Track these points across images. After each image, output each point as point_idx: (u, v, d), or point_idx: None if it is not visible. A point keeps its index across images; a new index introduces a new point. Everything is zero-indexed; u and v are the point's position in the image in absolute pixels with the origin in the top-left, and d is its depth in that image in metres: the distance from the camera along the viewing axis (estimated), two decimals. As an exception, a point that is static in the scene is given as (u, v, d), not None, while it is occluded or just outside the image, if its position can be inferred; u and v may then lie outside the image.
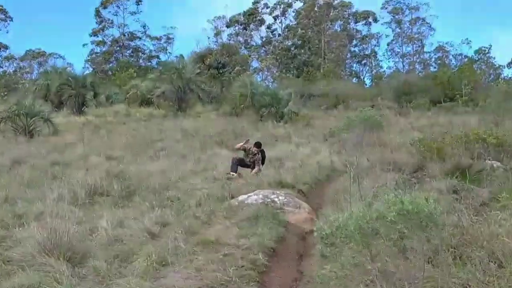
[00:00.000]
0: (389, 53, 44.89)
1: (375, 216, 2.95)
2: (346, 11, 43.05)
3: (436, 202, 2.95)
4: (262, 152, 9.10)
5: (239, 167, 8.94)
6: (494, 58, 41.80)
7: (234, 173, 8.58)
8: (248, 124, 18.01)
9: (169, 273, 3.85)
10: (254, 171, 8.66)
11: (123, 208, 6.10)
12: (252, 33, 42.52)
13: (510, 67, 39.45)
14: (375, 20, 43.61)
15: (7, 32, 40.29)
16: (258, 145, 9.07)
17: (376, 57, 45.06)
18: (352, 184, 5.81)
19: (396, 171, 7.19)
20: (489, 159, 7.72)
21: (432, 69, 40.69)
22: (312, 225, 5.44)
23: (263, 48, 41.85)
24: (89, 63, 42.24)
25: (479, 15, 56.80)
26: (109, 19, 42.41)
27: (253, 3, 42.31)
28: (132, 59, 42.44)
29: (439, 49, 43.25)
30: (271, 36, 42.48)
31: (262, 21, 42.13)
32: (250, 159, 8.94)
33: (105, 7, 41.98)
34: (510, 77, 35.34)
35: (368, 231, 2.94)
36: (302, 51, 38.98)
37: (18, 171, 8.58)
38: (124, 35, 43.07)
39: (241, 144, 9.17)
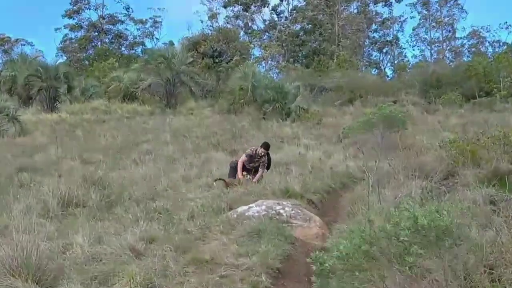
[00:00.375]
0: (414, 40, 45.05)
1: (382, 235, 2.95)
2: (364, -10, 43.24)
3: (470, 214, 2.94)
4: (268, 155, 9.10)
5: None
6: (539, 45, 41.81)
7: (233, 178, 8.58)
8: (248, 123, 18.05)
9: (156, 297, 3.85)
10: (256, 177, 8.64)
11: (102, 221, 6.10)
12: (253, 15, 42.61)
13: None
14: (398, 1, 43.74)
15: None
16: (266, 146, 9.04)
17: (399, 44, 45.27)
18: (370, 194, 5.82)
19: (422, 178, 7.16)
20: (532, 164, 7.69)
21: (465, 58, 40.76)
22: (324, 241, 5.44)
23: (267, 34, 41.93)
24: (63, 51, 42.44)
25: (520, -5, 56.79)
26: (85, -1, 42.70)
27: (255, -20, 42.47)
28: (113, 46, 42.66)
29: (473, 35, 43.27)
30: (276, 19, 42.59)
31: (265, 2, 42.16)
32: (255, 163, 8.89)
33: (80, -16, 42.26)
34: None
35: (375, 254, 2.92)
36: (313, 37, 39.08)
37: (-22, 178, 8.61)
38: (103, 18, 43.30)
39: (242, 159, 8.95)
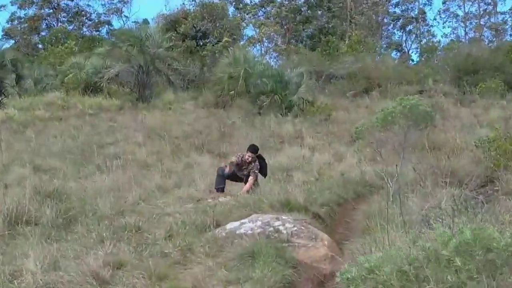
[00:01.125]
0: (444, 16, 45.22)
1: (422, 256, 2.97)
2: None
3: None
4: (260, 158, 9.12)
5: (229, 181, 8.97)
6: None
7: (218, 190, 8.63)
8: (240, 119, 18.08)
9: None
10: (245, 188, 8.65)
11: (59, 242, 6.06)
12: (246, -14, 42.64)
13: None
14: (425, -33, 43.99)
15: None
16: (253, 149, 9.07)
17: (426, 21, 45.44)
18: (391, 205, 5.83)
19: (455, 185, 7.19)
20: None
21: (507, 37, 40.94)
22: (333, 265, 5.45)
23: (263, 9, 41.95)
24: (9, 33, 42.31)
25: None
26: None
27: None
28: (72, 26, 42.59)
29: (517, 9, 43.48)
30: (274, -9, 42.63)
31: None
32: (243, 171, 8.96)
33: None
34: None
35: (412, 276, 2.95)
36: (319, 12, 39.18)
37: None
38: (60, -8, 43.26)
39: (228, 165, 9.05)
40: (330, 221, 7.58)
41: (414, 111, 8.34)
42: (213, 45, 30.79)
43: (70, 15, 43.72)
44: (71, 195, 8.10)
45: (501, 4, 44.73)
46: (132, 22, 41.54)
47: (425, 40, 44.53)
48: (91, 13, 44.29)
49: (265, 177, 9.20)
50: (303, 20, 39.20)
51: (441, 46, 40.81)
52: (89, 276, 4.83)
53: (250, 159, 8.92)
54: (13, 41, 40.73)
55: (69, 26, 42.33)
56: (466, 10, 44.89)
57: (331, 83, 26.55)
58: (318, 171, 10.32)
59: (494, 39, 42.32)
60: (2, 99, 22.73)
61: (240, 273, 4.89)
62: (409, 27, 45.19)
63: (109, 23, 44.27)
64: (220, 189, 8.85)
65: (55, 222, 6.79)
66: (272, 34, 37.63)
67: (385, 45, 43.49)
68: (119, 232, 6.38)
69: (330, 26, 38.37)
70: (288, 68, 22.92)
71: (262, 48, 37.90)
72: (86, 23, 44.21)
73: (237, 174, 8.99)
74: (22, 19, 42.75)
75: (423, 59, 38.65)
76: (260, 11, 41.89)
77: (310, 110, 19.52)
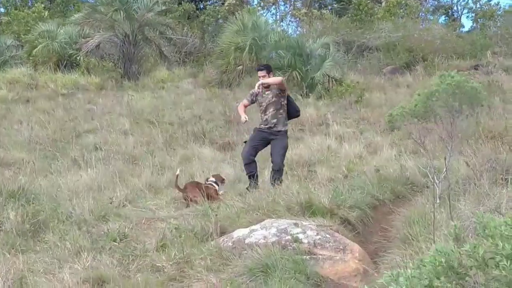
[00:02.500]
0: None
1: (472, 265, 2.95)
2: None
3: None
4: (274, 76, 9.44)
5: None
6: None
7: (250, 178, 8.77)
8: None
9: None
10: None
11: (26, 254, 6.11)
12: None
13: None
14: None
15: None
16: (262, 67, 9.33)
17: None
18: (438, 209, 5.79)
19: (518, 183, 7.15)
20: None
21: None
22: (366, 282, 5.43)
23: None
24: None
25: None
26: None
27: None
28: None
29: None
30: None
31: None
32: (265, 98, 9.07)
33: None
34: None
35: None
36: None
37: None
38: None
39: (243, 103, 9.34)
40: (362, 228, 7.54)
41: (465, 91, 8.28)
42: (215, 9, 30.72)
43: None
44: (40, 195, 8.13)
45: None
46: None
47: (479, 3, 44.15)
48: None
49: (298, 115, 9.57)
50: (329, -23, 39.07)
51: (500, 10, 40.47)
52: (63, 295, 4.87)
53: (263, 78, 8.95)
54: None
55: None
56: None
57: (363, 57, 26.42)
58: (347, 166, 10.27)
59: None
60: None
61: (250, 292, 4.91)
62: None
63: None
64: (252, 176, 8.89)
65: (20, 228, 6.83)
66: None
67: (431, 9, 43.16)
68: (100, 241, 6.41)
69: (363, -16, 38.15)
70: (310, 38, 22.83)
71: (278, 13, 37.74)
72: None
73: (265, 104, 9.07)
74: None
75: (478, 26, 38.33)
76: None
77: (338, 90, 19.36)
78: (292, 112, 9.22)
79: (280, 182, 8.55)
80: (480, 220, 3.22)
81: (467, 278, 3.06)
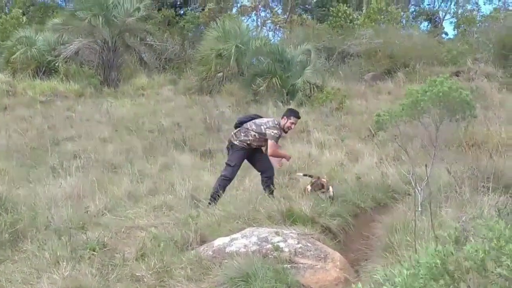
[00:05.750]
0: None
1: (470, 267, 2.98)
2: None
3: None
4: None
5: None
6: None
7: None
8: (231, 108, 18.02)
9: None
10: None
11: (4, 264, 6.08)
12: None
13: None
14: None
15: None
16: (295, 114, 9.15)
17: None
18: (419, 217, 5.84)
19: (500, 191, 7.22)
20: None
21: None
22: (348, 290, 5.46)
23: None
24: None
25: None
26: None
27: None
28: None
29: None
30: None
31: None
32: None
33: None
34: None
35: None
36: (329, -26, 39.14)
37: None
38: None
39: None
40: (343, 236, 7.57)
41: (448, 98, 8.34)
42: (195, 15, 30.69)
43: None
44: (18, 204, 8.09)
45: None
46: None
47: (462, 9, 44.51)
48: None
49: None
50: (310, -16, 39.25)
51: (481, 17, 40.77)
52: (41, 305, 4.85)
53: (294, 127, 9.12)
54: None
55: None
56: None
57: (344, 63, 26.51)
58: (329, 174, 10.30)
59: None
60: None
61: (231, 301, 4.91)
62: (442, -8, 45.21)
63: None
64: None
65: (-2, 237, 6.80)
66: (269, 1, 37.61)
67: (413, 15, 43.46)
68: (79, 250, 6.38)
69: (344, -10, 38.37)
70: (290, 44, 22.86)
71: (258, 19, 37.83)
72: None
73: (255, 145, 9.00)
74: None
75: (459, 33, 38.60)
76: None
77: (318, 97, 19.36)
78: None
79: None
80: (486, 223, 3.27)
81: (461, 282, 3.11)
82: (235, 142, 8.76)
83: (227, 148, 9.01)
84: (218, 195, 8.48)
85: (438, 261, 3.10)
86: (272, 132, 8.64)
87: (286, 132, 9.03)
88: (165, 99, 20.82)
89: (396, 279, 3.15)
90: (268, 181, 8.74)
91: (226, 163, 8.87)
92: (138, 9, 24.65)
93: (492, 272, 3.04)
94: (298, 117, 9.07)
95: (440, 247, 3.20)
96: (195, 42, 27.56)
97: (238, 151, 8.77)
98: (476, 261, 3.07)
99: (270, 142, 8.64)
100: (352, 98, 19.89)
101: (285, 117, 8.89)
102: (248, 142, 8.73)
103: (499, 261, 3.00)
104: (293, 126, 8.92)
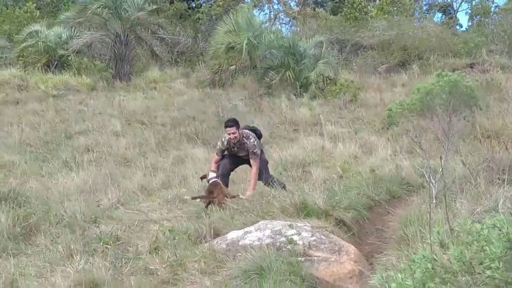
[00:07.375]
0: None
1: (460, 269, 2.97)
2: None
3: None
4: (254, 131, 9.05)
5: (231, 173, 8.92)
6: None
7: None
8: (243, 102, 17.98)
9: None
10: (251, 184, 8.55)
11: (17, 257, 6.10)
12: None
13: None
14: None
15: None
16: (230, 123, 8.78)
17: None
18: (434, 208, 5.80)
19: (516, 182, 7.17)
20: None
21: None
22: (362, 283, 5.44)
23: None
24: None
25: None
26: None
27: None
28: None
29: None
30: None
31: None
32: (241, 151, 8.78)
33: None
34: None
35: None
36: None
37: None
38: None
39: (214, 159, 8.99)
40: (357, 229, 7.54)
41: (461, 90, 8.30)
42: (209, 8, 30.62)
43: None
44: (31, 198, 8.12)
45: None
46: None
47: (475, 0, 44.07)
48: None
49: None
50: (322, -25, 39.02)
51: (497, 7, 40.38)
52: (55, 298, 4.87)
53: (232, 136, 8.63)
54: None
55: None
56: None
57: (358, 56, 26.37)
58: (342, 167, 10.27)
59: None
60: None
61: (245, 294, 4.91)
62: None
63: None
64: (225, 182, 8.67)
65: (12, 231, 6.82)
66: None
67: (426, 6, 43.13)
68: (92, 243, 6.40)
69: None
70: (303, 37, 22.78)
71: (271, 12, 37.69)
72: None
73: (238, 156, 8.84)
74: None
75: (474, 24, 38.25)
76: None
77: (332, 90, 19.31)
78: None
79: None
80: (462, 228, 3.26)
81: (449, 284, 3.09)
82: None
83: None
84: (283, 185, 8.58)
85: (429, 265, 3.08)
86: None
87: (232, 144, 8.76)
88: (177, 93, 20.79)
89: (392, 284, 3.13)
90: (268, 186, 8.62)
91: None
92: (148, 2, 24.62)
93: (480, 273, 3.03)
94: (225, 126, 8.85)
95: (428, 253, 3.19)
96: (207, 35, 27.48)
97: None
98: (464, 263, 3.05)
99: None
100: (366, 90, 19.81)
101: None
102: None
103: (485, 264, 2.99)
104: (232, 135, 8.63)
